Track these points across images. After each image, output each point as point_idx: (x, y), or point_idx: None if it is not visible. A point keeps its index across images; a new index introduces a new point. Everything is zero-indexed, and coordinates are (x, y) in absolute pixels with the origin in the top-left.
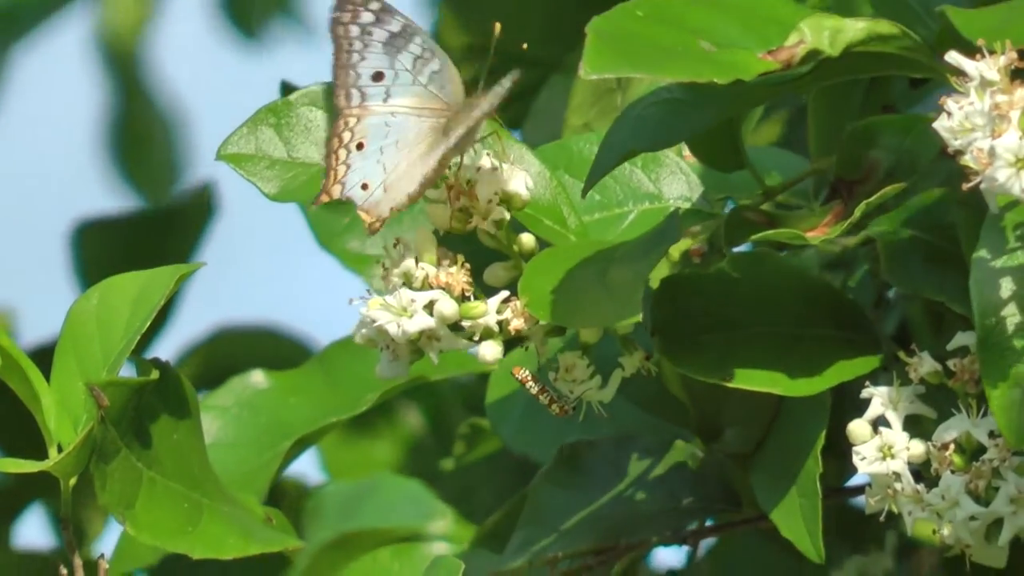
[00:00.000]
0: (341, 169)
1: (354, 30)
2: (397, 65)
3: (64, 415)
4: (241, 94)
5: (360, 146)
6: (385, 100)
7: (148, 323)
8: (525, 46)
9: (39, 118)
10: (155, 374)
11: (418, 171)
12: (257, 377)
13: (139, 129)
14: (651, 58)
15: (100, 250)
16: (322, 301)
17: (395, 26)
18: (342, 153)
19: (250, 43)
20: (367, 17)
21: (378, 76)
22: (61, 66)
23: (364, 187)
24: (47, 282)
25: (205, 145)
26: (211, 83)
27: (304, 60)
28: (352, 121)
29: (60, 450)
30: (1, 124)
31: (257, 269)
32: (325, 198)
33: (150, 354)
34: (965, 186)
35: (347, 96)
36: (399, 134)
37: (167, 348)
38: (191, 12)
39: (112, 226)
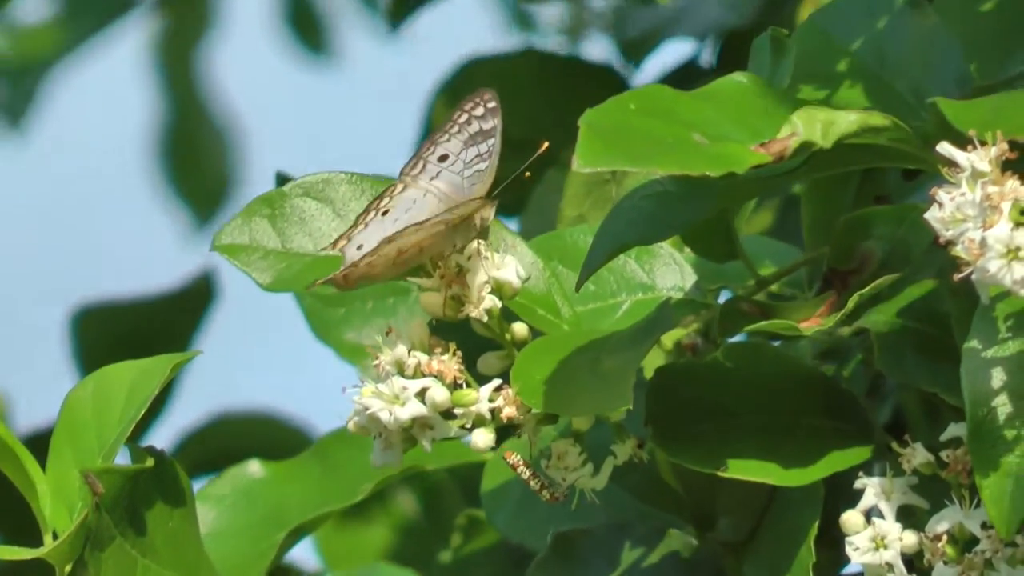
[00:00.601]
0: (359, 227)
1: (463, 117)
2: (462, 155)
3: (59, 502)
4: (302, 108)
5: (386, 212)
6: (431, 179)
7: (143, 411)
8: (546, 144)
9: (89, 131)
10: (150, 462)
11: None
12: (254, 467)
13: (192, 143)
14: (644, 151)
15: (99, 335)
16: (321, 388)
17: (488, 124)
18: (371, 214)
19: (314, 56)
20: (479, 111)
21: (443, 158)
22: (115, 78)
23: (359, 248)
24: (45, 367)
25: (264, 161)
26: (272, 96)
27: (368, 76)
28: (398, 188)
29: (55, 537)
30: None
31: (256, 355)
32: (329, 249)
33: (148, 440)
34: (956, 276)
35: (412, 164)
36: (417, 211)
37: (165, 434)
38: (253, 22)
39: (112, 311)
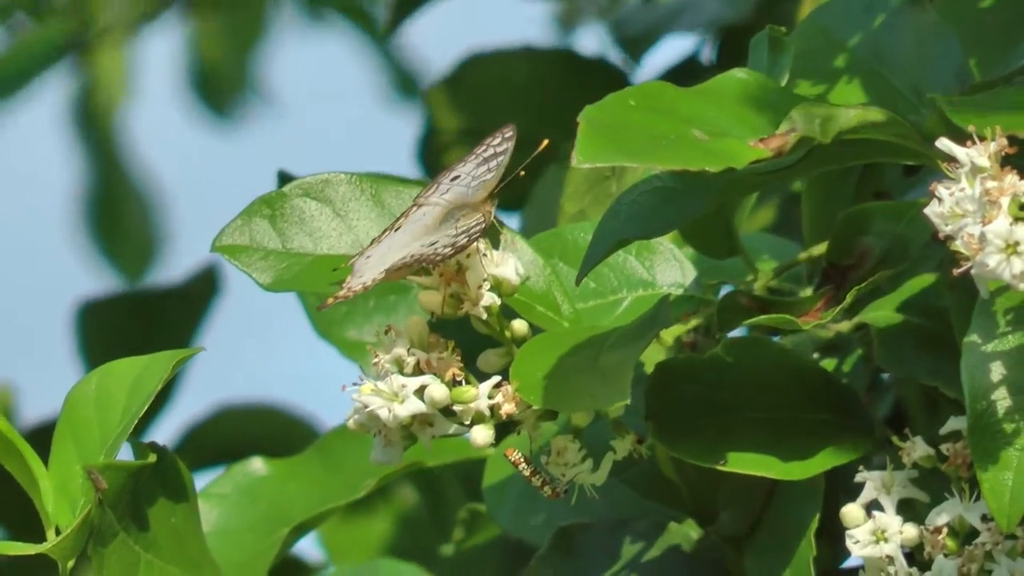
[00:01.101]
0: (373, 244)
1: (488, 152)
2: (472, 172)
3: (62, 498)
4: (214, 172)
5: (398, 228)
6: (442, 195)
7: (145, 407)
8: (546, 142)
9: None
10: (152, 457)
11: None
12: (256, 464)
13: (117, 206)
14: (643, 147)
15: (103, 328)
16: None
17: (500, 149)
18: (387, 233)
19: (221, 121)
20: (497, 141)
21: (456, 178)
22: (36, 137)
23: (368, 258)
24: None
25: (182, 224)
26: (184, 161)
27: (272, 137)
28: (412, 210)
29: (58, 533)
30: None
31: (260, 348)
32: (344, 265)
33: (152, 434)
34: (956, 271)
35: (429, 188)
36: (421, 220)
37: (168, 427)
38: (162, 90)
39: (116, 305)
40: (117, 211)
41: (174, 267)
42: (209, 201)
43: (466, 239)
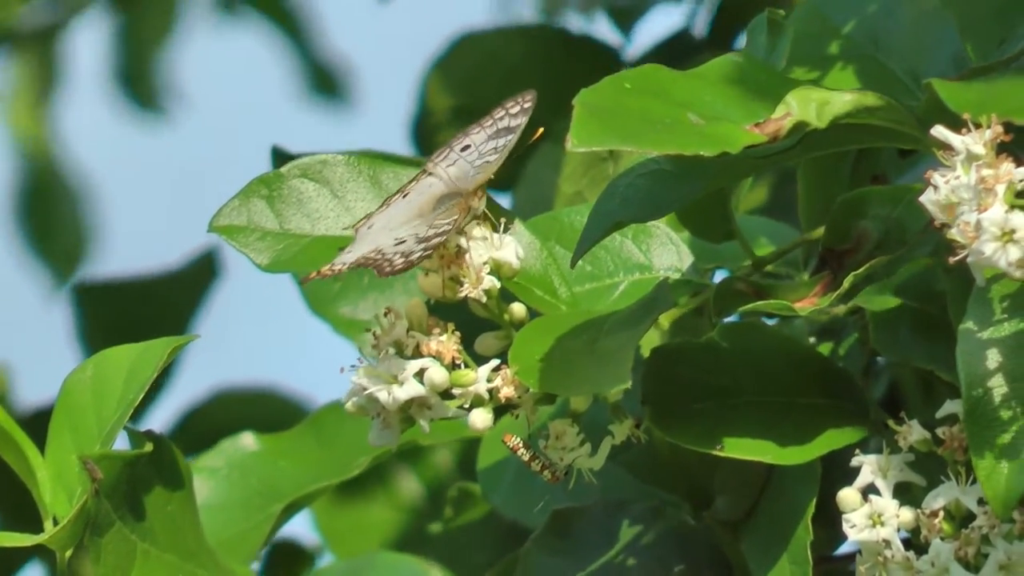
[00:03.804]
0: (382, 209)
1: (501, 114)
2: (482, 146)
3: (59, 488)
4: (142, 166)
5: (406, 195)
6: (448, 166)
7: (142, 395)
8: (541, 131)
9: None
10: (149, 446)
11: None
12: (247, 439)
13: (47, 203)
14: (638, 131)
15: (101, 313)
16: (320, 362)
17: (515, 122)
18: (395, 198)
19: (147, 115)
20: (515, 109)
21: (465, 148)
22: None
23: (370, 227)
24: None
25: (112, 220)
26: (113, 157)
27: (187, 131)
28: (422, 176)
29: (55, 523)
30: None
31: (255, 331)
32: (350, 231)
33: (147, 420)
34: (952, 259)
35: (441, 152)
36: (422, 193)
37: (164, 410)
38: (88, 87)
39: (113, 288)
40: (46, 208)
41: (104, 263)
42: (136, 196)
43: (436, 239)
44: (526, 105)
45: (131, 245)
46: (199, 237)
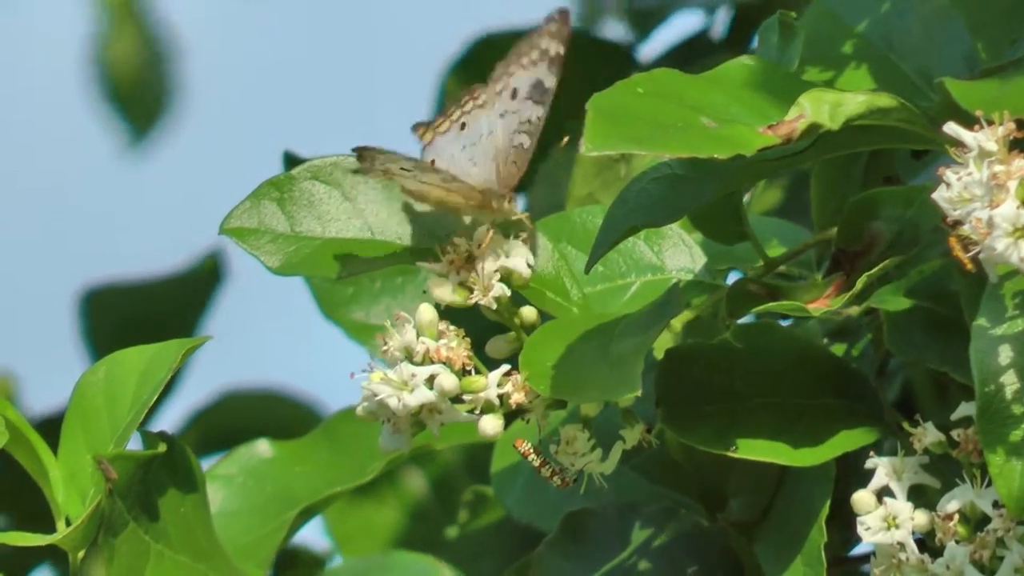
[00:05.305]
0: (443, 124)
1: (535, 51)
2: (520, 109)
3: (72, 488)
4: (145, 167)
5: (463, 127)
6: (500, 116)
7: (155, 397)
8: (567, 137)
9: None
10: (162, 447)
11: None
12: (262, 446)
13: (126, 54)
14: (651, 135)
15: (108, 316)
16: (329, 364)
17: (548, 83)
18: (456, 115)
19: None
20: (555, 47)
21: (515, 94)
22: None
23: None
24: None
25: (197, 82)
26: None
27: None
28: (479, 101)
29: (68, 523)
30: None
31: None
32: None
33: (158, 421)
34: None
35: (496, 80)
36: (477, 153)
37: (174, 412)
38: None
39: (120, 292)
40: (126, 61)
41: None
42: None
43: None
44: (564, 16)
45: (134, 247)
46: (202, 239)
